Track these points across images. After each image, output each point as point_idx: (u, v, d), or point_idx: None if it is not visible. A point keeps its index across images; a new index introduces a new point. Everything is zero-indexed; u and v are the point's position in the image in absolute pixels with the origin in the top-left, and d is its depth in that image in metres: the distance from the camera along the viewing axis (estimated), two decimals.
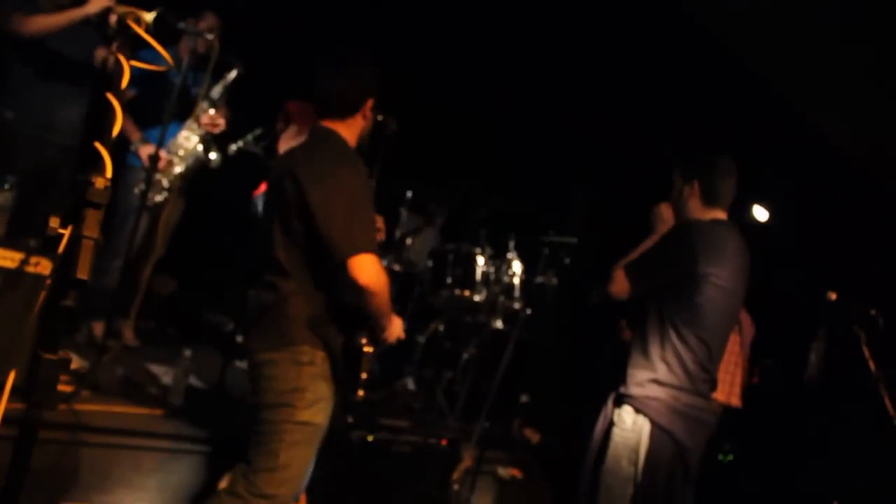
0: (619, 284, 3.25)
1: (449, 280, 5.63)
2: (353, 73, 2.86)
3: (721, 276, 3.13)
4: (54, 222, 1.72)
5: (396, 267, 5.63)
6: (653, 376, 3.13)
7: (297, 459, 2.73)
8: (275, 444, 2.69)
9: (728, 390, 4.75)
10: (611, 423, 3.23)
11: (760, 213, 6.02)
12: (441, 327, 5.82)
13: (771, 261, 5.67)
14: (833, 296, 3.96)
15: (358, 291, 2.65)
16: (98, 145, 1.76)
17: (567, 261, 5.63)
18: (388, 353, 5.83)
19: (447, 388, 5.59)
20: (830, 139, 6.13)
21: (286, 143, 5.03)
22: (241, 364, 4.62)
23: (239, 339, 4.20)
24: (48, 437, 3.24)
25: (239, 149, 4.82)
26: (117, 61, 1.98)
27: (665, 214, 3.47)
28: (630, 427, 3.15)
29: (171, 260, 5.08)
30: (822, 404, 5.64)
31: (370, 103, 2.90)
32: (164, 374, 4.35)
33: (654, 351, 3.15)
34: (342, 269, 2.62)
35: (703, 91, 5.99)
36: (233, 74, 4.68)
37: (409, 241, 5.73)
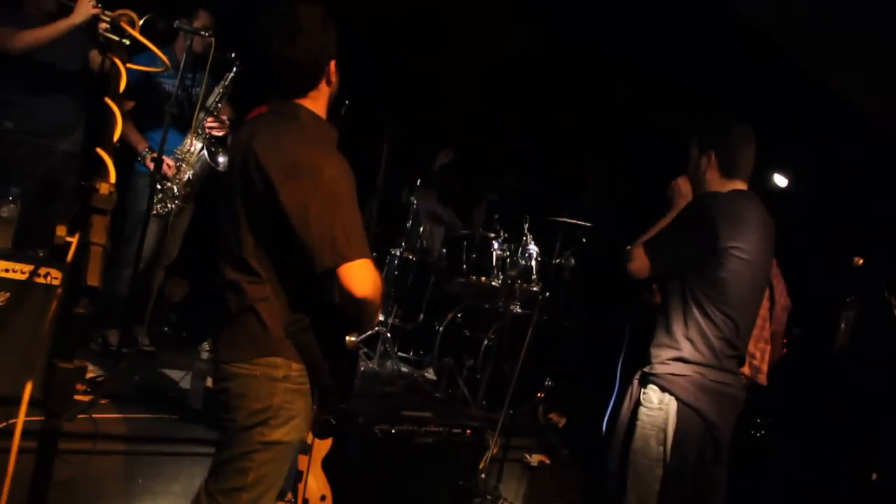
0: (639, 262, 3.16)
1: (464, 266, 5.58)
2: (306, 37, 2.34)
3: (744, 249, 3.05)
4: (61, 231, 1.66)
5: (410, 256, 5.58)
6: (677, 354, 3.07)
7: (267, 478, 2.42)
8: (244, 464, 2.37)
9: (756, 366, 4.69)
10: (637, 403, 3.17)
11: (780, 180, 5.93)
12: (459, 315, 5.77)
13: (793, 228, 5.61)
14: (860, 261, 3.89)
15: (352, 303, 2.27)
16: (100, 151, 1.70)
17: (584, 240, 5.56)
18: (407, 342, 5.81)
19: (468, 376, 5.54)
20: (851, 102, 6.03)
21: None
22: None
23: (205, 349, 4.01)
24: (69, 448, 3.20)
25: None
26: (113, 65, 1.93)
27: (683, 188, 3.37)
28: (657, 406, 3.09)
29: (182, 264, 5.05)
30: (853, 373, 5.57)
31: (332, 65, 2.42)
32: (182, 379, 4.31)
33: (678, 329, 3.09)
34: (330, 277, 2.26)
35: (718, 59, 5.91)
36: (231, 74, 4.63)
37: (422, 228, 5.69)
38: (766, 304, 4.60)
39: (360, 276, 2.23)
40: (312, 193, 2.23)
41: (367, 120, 4.93)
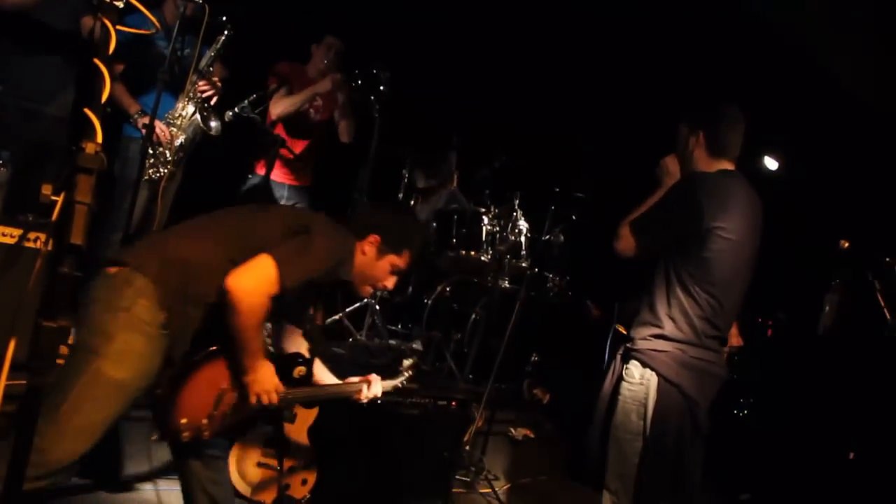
0: (626, 241, 3.20)
1: (454, 241, 5.60)
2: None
3: (729, 229, 3.07)
4: (47, 190, 1.67)
5: None
6: (659, 332, 3.10)
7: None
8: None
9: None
10: (619, 378, 3.21)
11: (770, 163, 5.95)
12: (448, 289, 5.79)
13: (782, 211, 5.63)
14: (846, 244, 3.92)
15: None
16: (88, 111, 1.71)
17: (574, 217, 5.58)
18: (396, 315, 5.83)
19: (455, 350, 5.58)
20: (842, 84, 6.04)
21: (278, 105, 4.99)
22: None
23: None
24: None
25: (234, 115, 4.75)
26: (103, 26, 1.93)
27: (671, 167, 3.38)
28: (638, 381, 3.13)
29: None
30: (837, 355, 5.62)
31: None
32: None
33: (661, 308, 3.12)
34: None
35: (710, 39, 5.91)
36: (223, 38, 4.60)
37: (412, 202, 5.70)
38: None
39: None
40: None
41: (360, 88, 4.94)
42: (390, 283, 3.08)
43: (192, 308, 2.54)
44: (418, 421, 4.22)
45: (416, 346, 5.49)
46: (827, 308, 5.11)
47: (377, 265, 2.99)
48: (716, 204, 3.07)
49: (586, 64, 6.41)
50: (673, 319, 3.10)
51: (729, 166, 3.22)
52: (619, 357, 3.27)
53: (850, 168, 5.99)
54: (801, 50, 5.72)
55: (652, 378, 3.10)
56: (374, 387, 3.30)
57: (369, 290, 3.14)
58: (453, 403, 4.40)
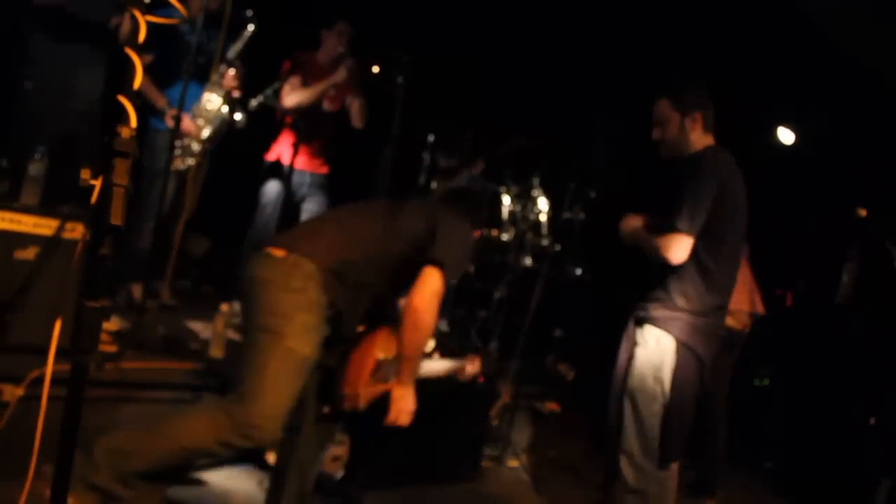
0: (683, 246, 3.14)
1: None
2: None
3: (737, 201, 3.24)
4: (85, 174, 1.77)
5: None
6: (672, 304, 3.23)
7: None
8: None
9: (752, 299, 4.83)
10: (634, 344, 3.32)
11: (786, 136, 5.95)
12: (471, 268, 5.86)
13: (800, 183, 5.65)
14: (863, 213, 3.96)
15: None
16: (121, 98, 1.80)
17: (593, 194, 5.64)
18: None
19: (480, 328, 5.66)
20: (855, 55, 6.03)
21: (292, 97, 5.03)
22: None
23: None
24: (98, 396, 3.34)
25: (259, 104, 4.86)
26: (132, 17, 2.01)
27: (633, 222, 3.43)
28: (654, 346, 3.25)
29: (202, 220, 5.17)
30: (857, 322, 5.65)
31: None
32: (203, 330, 4.46)
33: (674, 283, 3.22)
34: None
35: (725, 14, 5.90)
36: (248, 31, 4.68)
37: (433, 184, 5.77)
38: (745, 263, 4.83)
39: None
40: None
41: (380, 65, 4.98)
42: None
43: (354, 291, 2.82)
44: (446, 398, 4.30)
45: (443, 325, 5.57)
46: (845, 277, 5.14)
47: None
48: (727, 177, 3.20)
49: (600, 38, 6.42)
50: (685, 295, 3.20)
51: (713, 142, 3.37)
52: (631, 323, 3.37)
53: (866, 137, 5.98)
54: (811, 20, 5.70)
55: (669, 342, 3.21)
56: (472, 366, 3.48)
57: None
58: (480, 379, 4.48)
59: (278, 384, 2.64)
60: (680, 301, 3.20)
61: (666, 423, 3.24)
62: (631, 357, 3.32)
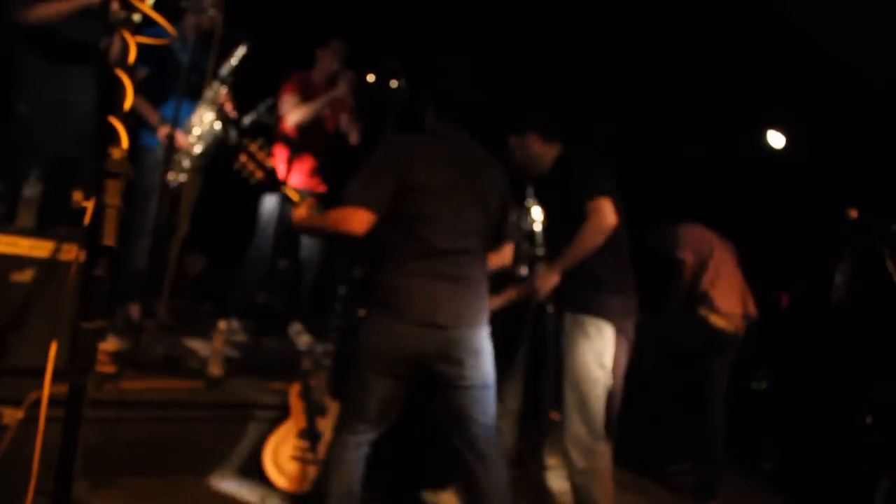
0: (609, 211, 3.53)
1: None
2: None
3: None
4: (78, 195, 1.79)
5: None
6: (602, 288, 3.59)
7: None
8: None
9: (745, 301, 4.92)
10: (571, 335, 3.60)
11: (776, 139, 5.97)
12: None
13: (791, 185, 5.67)
14: (854, 214, 4.00)
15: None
16: (112, 119, 1.82)
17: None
18: None
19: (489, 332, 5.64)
20: (844, 58, 6.06)
21: (295, 114, 5.04)
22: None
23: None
24: (98, 416, 3.35)
25: (252, 121, 4.88)
26: (123, 38, 2.04)
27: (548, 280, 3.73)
28: (595, 335, 3.55)
29: (197, 238, 5.17)
30: (851, 323, 5.66)
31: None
32: (202, 348, 4.48)
33: (601, 271, 3.58)
34: None
35: (714, 19, 5.93)
36: (241, 50, 4.71)
37: None
38: (730, 256, 5.02)
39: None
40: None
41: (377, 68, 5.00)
42: None
43: None
44: None
45: None
46: (839, 277, 5.17)
47: None
48: None
49: (593, 44, 6.45)
50: (610, 278, 3.61)
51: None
52: (567, 316, 3.65)
53: (855, 138, 6.00)
54: (798, 23, 5.73)
55: (609, 331, 3.55)
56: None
57: None
58: None
59: None
60: (609, 284, 3.58)
61: (608, 403, 3.57)
62: (573, 346, 3.60)
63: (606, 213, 3.46)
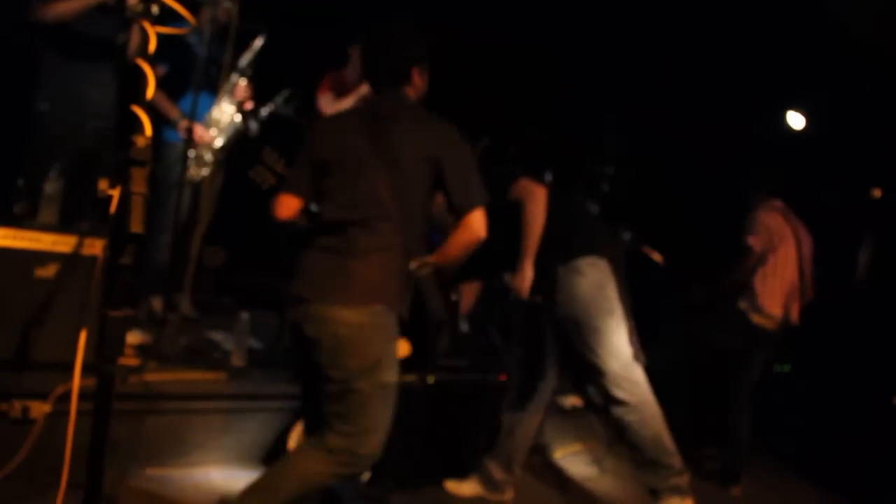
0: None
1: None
2: (393, 47, 2.94)
3: None
4: (103, 184, 1.80)
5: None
6: (577, 233, 3.79)
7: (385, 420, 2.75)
8: (362, 408, 2.66)
9: (790, 307, 4.80)
10: (569, 278, 3.69)
11: (796, 120, 5.91)
12: None
13: (813, 167, 5.63)
14: (878, 193, 3.98)
15: (471, 246, 2.74)
16: (135, 108, 1.83)
17: (606, 188, 5.64)
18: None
19: (500, 326, 5.66)
20: (863, 36, 6.00)
21: (329, 107, 5.04)
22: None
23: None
24: (123, 409, 3.37)
25: (270, 112, 4.89)
26: (142, 30, 2.04)
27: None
28: (590, 270, 3.66)
29: (217, 231, 5.19)
30: (875, 304, 5.62)
31: (416, 70, 2.94)
32: (225, 340, 4.49)
33: (566, 227, 3.76)
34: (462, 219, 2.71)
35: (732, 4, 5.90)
36: (259, 42, 4.71)
37: None
38: (793, 254, 4.83)
39: (482, 220, 2.72)
40: (452, 151, 2.77)
41: None
42: None
43: None
44: (470, 396, 4.32)
45: (463, 325, 5.58)
46: (862, 259, 5.12)
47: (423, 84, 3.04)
48: None
49: (608, 31, 6.42)
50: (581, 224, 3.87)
51: None
52: (561, 268, 3.71)
53: (877, 117, 5.94)
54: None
55: (604, 263, 3.66)
56: None
57: None
58: (502, 377, 4.50)
59: None
60: (579, 229, 3.82)
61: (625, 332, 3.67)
62: (572, 289, 3.67)
63: (530, 186, 3.65)
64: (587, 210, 3.90)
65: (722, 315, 4.89)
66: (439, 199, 3.08)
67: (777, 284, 4.79)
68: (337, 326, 2.63)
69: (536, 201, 3.64)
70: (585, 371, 3.77)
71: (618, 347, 3.65)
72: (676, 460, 3.68)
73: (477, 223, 2.71)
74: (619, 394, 3.65)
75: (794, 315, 4.87)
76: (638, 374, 3.68)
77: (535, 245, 3.65)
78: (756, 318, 4.76)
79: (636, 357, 3.67)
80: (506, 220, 3.72)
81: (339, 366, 2.65)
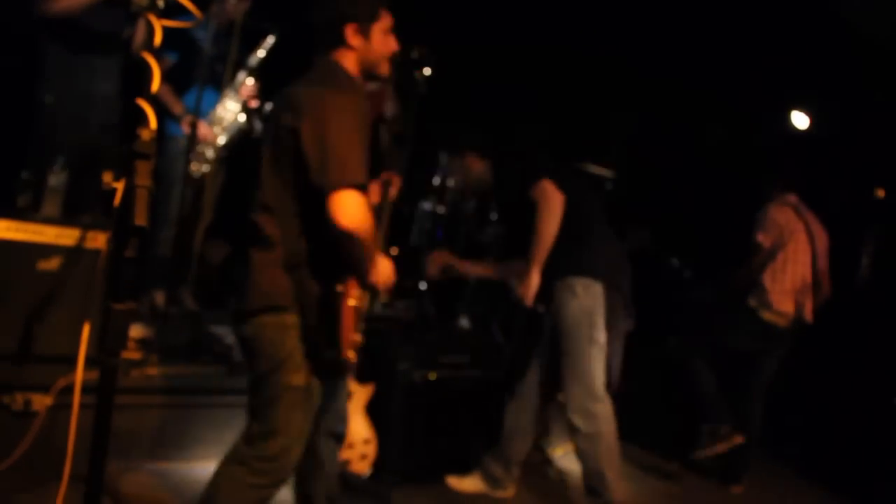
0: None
1: (494, 216, 5.67)
2: (325, 2, 2.61)
3: None
4: (107, 177, 1.79)
5: (441, 209, 5.68)
6: (583, 248, 3.66)
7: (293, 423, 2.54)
8: (272, 410, 2.51)
9: (802, 304, 4.76)
10: (563, 295, 3.64)
11: (800, 120, 5.90)
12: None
13: (816, 166, 5.61)
14: (881, 193, 3.97)
15: (337, 234, 2.31)
16: (140, 101, 1.82)
17: (609, 186, 5.63)
18: (441, 294, 5.92)
19: (502, 323, 5.65)
20: (869, 35, 5.98)
21: None
22: None
23: None
24: (125, 403, 3.37)
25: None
26: (148, 23, 2.04)
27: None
28: (583, 293, 3.58)
29: (220, 226, 5.19)
30: (878, 305, 5.61)
31: (350, 29, 2.55)
32: (226, 334, 4.48)
33: (576, 238, 3.64)
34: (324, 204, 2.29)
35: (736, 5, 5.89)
36: (269, 41, 4.70)
37: (450, 181, 5.76)
38: (805, 250, 4.76)
39: (346, 206, 2.27)
40: (323, 121, 2.35)
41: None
42: (393, 44, 2.72)
43: None
44: (471, 393, 4.32)
45: (464, 322, 5.57)
46: (865, 258, 5.11)
47: (372, 46, 2.64)
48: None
49: (614, 29, 6.41)
50: (591, 237, 3.70)
51: None
52: (558, 284, 3.66)
53: (882, 116, 5.93)
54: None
55: (597, 288, 3.57)
56: None
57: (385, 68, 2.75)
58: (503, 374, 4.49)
59: None
60: (587, 244, 3.68)
61: (607, 362, 3.64)
62: (562, 309, 3.63)
63: (550, 192, 3.54)
64: (601, 220, 3.77)
65: (732, 314, 4.83)
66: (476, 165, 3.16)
67: (787, 280, 4.72)
68: (244, 328, 2.55)
69: (553, 208, 3.56)
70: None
71: (588, 376, 3.62)
72: (616, 496, 3.67)
73: (337, 210, 2.28)
74: (574, 419, 3.65)
75: (808, 313, 4.79)
76: (600, 409, 3.64)
77: (545, 253, 3.59)
78: (767, 316, 4.69)
79: (609, 389, 3.65)
80: (516, 216, 3.72)
81: (252, 366, 2.58)
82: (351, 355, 2.53)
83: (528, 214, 3.62)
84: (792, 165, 4.97)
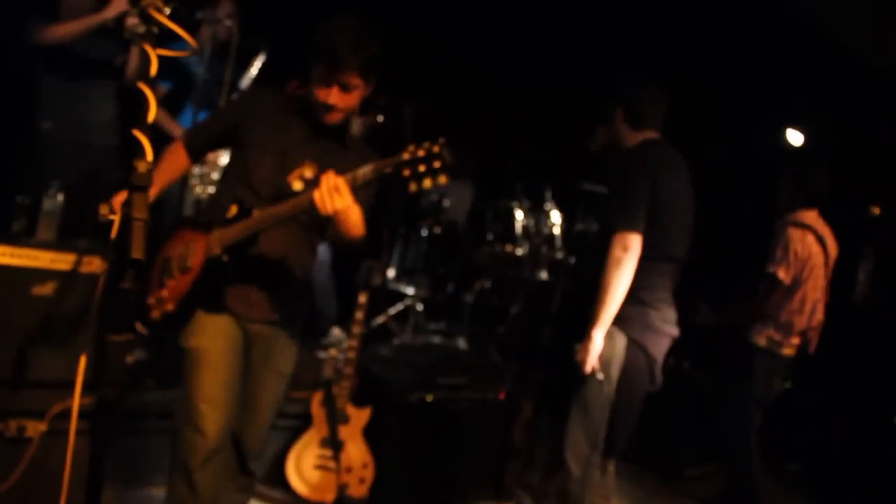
0: (635, 243, 3.19)
1: (490, 237, 5.68)
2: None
3: (675, 193, 3.31)
4: (104, 209, 1.78)
5: (437, 229, 5.68)
6: (631, 298, 3.26)
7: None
8: None
9: (809, 337, 4.52)
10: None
11: (795, 137, 5.91)
12: (487, 284, 5.86)
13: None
14: (877, 210, 3.95)
15: None
16: (136, 132, 1.81)
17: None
18: (438, 314, 5.92)
19: (499, 344, 5.65)
20: (862, 54, 6.02)
21: None
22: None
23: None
24: (122, 427, 3.36)
25: None
26: (143, 51, 2.03)
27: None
28: (605, 342, 3.30)
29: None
30: (875, 320, 5.61)
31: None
32: None
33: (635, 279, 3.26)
34: None
35: (732, 21, 5.90)
36: (260, 59, 4.72)
37: (445, 202, 5.77)
38: (822, 278, 4.49)
39: None
40: None
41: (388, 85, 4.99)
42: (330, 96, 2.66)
43: None
44: (468, 414, 4.31)
45: (461, 343, 5.57)
46: (862, 275, 5.09)
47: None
48: (660, 168, 3.27)
49: (607, 45, 6.43)
50: (644, 288, 3.28)
51: (652, 135, 3.43)
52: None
53: (876, 134, 5.94)
54: (812, 19, 5.69)
55: (620, 339, 3.29)
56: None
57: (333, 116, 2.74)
58: (501, 395, 4.47)
59: None
60: (641, 294, 3.27)
61: (613, 418, 3.34)
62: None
63: (631, 246, 3.19)
64: (655, 274, 3.33)
65: (746, 356, 4.49)
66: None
67: (805, 316, 4.43)
68: None
69: (627, 265, 3.18)
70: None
71: (592, 424, 3.37)
72: None
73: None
74: (570, 461, 3.44)
75: (811, 345, 4.54)
76: (598, 460, 3.44)
77: (612, 315, 3.24)
78: (786, 351, 4.43)
79: (609, 447, 3.41)
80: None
81: None
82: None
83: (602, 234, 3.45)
84: (821, 176, 4.57)
